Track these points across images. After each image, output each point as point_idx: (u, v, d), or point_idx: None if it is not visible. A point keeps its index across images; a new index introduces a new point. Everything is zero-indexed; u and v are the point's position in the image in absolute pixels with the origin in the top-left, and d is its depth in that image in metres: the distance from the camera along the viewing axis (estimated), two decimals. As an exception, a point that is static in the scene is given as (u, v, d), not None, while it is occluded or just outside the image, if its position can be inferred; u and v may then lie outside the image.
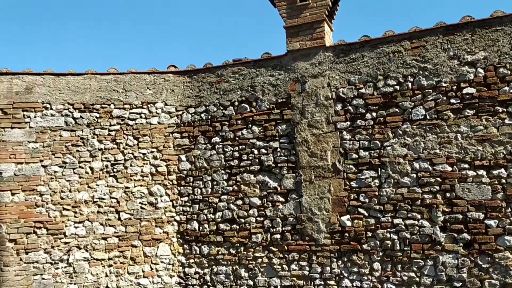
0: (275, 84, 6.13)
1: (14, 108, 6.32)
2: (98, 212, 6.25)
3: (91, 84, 6.55)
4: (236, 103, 6.33)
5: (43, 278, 5.98)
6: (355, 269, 5.44)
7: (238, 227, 6.09)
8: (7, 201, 6.06)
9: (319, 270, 5.61)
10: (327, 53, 5.88)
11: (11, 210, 6.05)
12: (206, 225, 6.27)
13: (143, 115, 6.56)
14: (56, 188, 6.21)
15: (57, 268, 6.04)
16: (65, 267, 6.06)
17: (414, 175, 5.24)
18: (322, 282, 5.58)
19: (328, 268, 5.56)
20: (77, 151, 6.35)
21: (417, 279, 5.14)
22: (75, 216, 6.19)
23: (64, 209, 6.18)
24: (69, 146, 6.34)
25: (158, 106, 6.61)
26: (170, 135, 6.57)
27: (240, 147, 6.21)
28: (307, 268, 5.67)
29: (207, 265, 6.23)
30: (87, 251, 6.14)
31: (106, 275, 6.13)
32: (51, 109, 6.39)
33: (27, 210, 6.10)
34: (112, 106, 6.53)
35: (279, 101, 6.07)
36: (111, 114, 6.51)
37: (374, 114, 5.51)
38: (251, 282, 5.95)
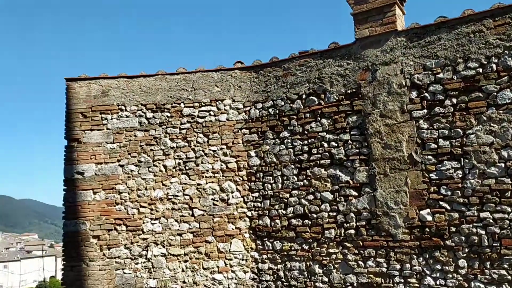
0: (343, 75, 5.91)
1: (93, 111, 6.65)
2: (172, 209, 6.42)
3: (161, 84, 6.73)
4: (304, 96, 6.20)
5: (125, 273, 6.26)
6: (438, 267, 5.10)
7: (310, 222, 5.96)
8: (89, 200, 6.40)
9: (398, 267, 5.33)
10: (399, 38, 5.56)
11: (93, 208, 6.39)
12: (277, 221, 6.21)
13: (212, 113, 6.63)
14: (133, 186, 6.46)
15: (137, 263, 6.29)
16: (144, 262, 6.29)
17: (502, 165, 4.80)
18: (402, 280, 5.30)
19: (408, 265, 5.27)
20: (151, 150, 6.56)
21: (509, 277, 4.71)
22: (151, 213, 6.40)
23: (141, 206, 6.42)
24: (144, 146, 6.57)
25: (226, 103, 6.65)
26: (239, 131, 6.58)
27: (309, 140, 6.07)
28: (385, 265, 5.42)
29: (280, 260, 6.17)
30: (163, 246, 6.33)
31: (183, 270, 6.28)
32: (126, 110, 6.66)
33: (108, 207, 6.40)
34: (182, 105, 6.66)
35: (349, 91, 5.85)
36: (182, 112, 6.64)
37: (454, 100, 5.12)
38: (325, 279, 5.81)
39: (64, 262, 6.30)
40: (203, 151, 6.54)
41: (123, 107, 6.67)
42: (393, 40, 5.59)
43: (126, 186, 6.46)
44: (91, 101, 6.68)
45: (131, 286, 6.22)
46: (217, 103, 6.66)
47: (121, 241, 6.33)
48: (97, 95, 6.70)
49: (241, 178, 6.48)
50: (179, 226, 6.38)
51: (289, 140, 6.24)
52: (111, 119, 6.64)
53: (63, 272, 6.28)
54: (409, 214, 5.31)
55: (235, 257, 6.31)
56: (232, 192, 6.45)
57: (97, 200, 6.41)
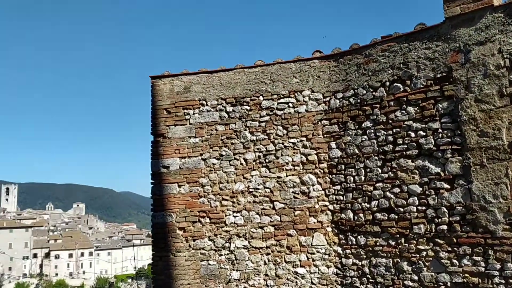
0: (432, 58, 5.47)
1: (176, 107, 6.88)
2: (253, 201, 6.44)
3: (240, 78, 6.76)
4: (387, 83, 5.85)
5: (209, 264, 6.41)
6: (546, 268, 4.53)
7: (396, 216, 5.62)
8: (175, 192, 6.64)
9: (498, 266, 4.83)
10: (495, 14, 5.00)
11: (178, 201, 6.61)
12: (361, 215, 5.95)
13: (290, 104, 6.52)
14: (215, 180, 6.58)
15: (220, 255, 6.41)
16: (227, 254, 6.39)
17: None
18: (503, 280, 4.79)
19: (509, 265, 4.75)
20: (232, 143, 6.62)
21: None
22: (233, 206, 6.48)
23: (223, 199, 6.51)
24: (224, 139, 6.65)
25: (305, 94, 6.50)
26: (319, 122, 6.40)
27: (394, 130, 5.71)
28: (483, 264, 4.94)
29: (365, 256, 5.91)
30: (246, 239, 6.37)
31: (265, 263, 6.28)
32: (207, 105, 6.78)
33: (192, 200, 6.59)
34: (261, 97, 6.63)
35: (438, 76, 5.40)
36: (260, 105, 6.62)
37: None
38: (415, 277, 5.45)
39: (153, 252, 6.61)
40: (282, 143, 6.47)
41: (204, 102, 6.81)
42: (489, 17, 5.04)
43: (209, 179, 6.60)
44: (174, 97, 6.91)
45: (215, 277, 6.36)
46: (296, 94, 6.53)
47: (205, 233, 6.49)
48: (179, 91, 6.90)
49: (321, 171, 6.30)
50: (261, 219, 6.38)
51: (372, 131, 5.93)
52: (193, 114, 6.81)
53: (152, 261, 6.59)
54: (510, 209, 4.78)
55: (318, 251, 6.16)
56: (313, 185, 6.30)
57: (182, 193, 6.63)
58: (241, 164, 6.57)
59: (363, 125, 6.03)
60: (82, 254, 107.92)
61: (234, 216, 6.46)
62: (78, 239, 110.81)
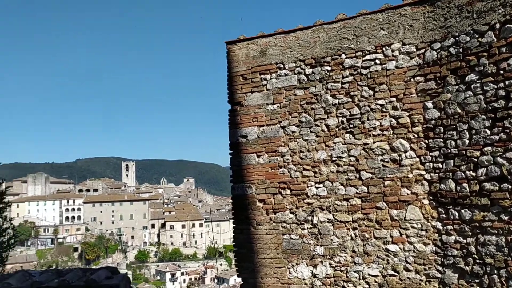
0: (557, -13, 4.31)
1: (252, 72, 6.46)
2: (337, 171, 5.84)
3: (320, 36, 6.11)
4: (497, 26, 4.79)
5: (291, 238, 6.00)
6: None
7: (510, 187, 4.65)
8: (254, 163, 6.29)
9: None
10: None
11: (257, 172, 6.26)
12: (465, 185, 5.04)
13: (377, 61, 5.73)
14: (295, 148, 6.09)
15: (303, 229, 5.96)
16: (310, 228, 5.92)
17: None
18: None
19: None
20: (312, 108, 6.05)
21: None
22: (315, 176, 5.95)
23: (304, 169, 6.02)
24: (304, 105, 6.10)
25: (394, 48, 5.65)
26: (411, 79, 5.53)
27: (507, 83, 4.68)
28: None
29: (470, 233, 5.03)
30: (329, 212, 5.83)
31: (351, 239, 5.70)
32: (284, 68, 6.27)
33: (271, 171, 6.20)
34: (343, 56, 5.93)
35: None
36: (343, 65, 5.92)
37: None
38: (535, 259, 4.48)
39: (234, 225, 6.38)
40: (368, 106, 5.73)
41: (281, 65, 6.29)
42: None
43: (288, 148, 6.13)
44: (250, 62, 6.49)
45: (298, 252, 5.95)
46: (384, 49, 5.71)
47: (286, 205, 6.07)
48: (255, 56, 6.47)
49: (415, 135, 5.47)
50: (345, 191, 5.78)
51: (478, 85, 4.94)
52: (270, 79, 6.34)
53: (234, 234, 6.37)
54: None
55: (412, 227, 5.41)
56: (405, 152, 5.50)
57: (260, 163, 6.26)
58: (323, 130, 5.98)
59: (466, 78, 5.06)
60: (193, 225, 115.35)
61: (316, 188, 5.93)
62: (189, 211, 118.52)
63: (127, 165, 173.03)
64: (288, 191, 6.07)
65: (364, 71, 5.79)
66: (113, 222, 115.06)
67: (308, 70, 6.12)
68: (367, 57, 5.79)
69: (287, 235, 6.02)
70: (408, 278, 5.37)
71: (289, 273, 5.96)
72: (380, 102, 5.67)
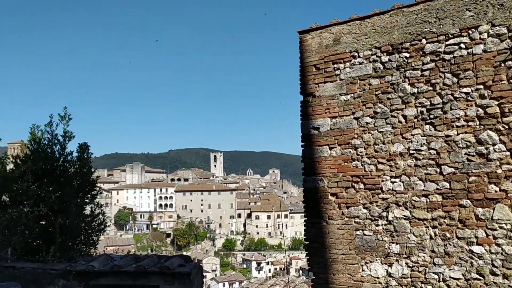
0: None
1: (325, 62, 6.25)
2: (415, 165, 5.46)
3: (398, 20, 5.72)
4: None
5: (365, 234, 5.74)
6: None
7: None
8: (326, 156, 6.11)
9: None
10: None
11: (330, 164, 6.07)
12: None
13: (462, 45, 5.23)
14: (370, 141, 5.80)
15: (377, 225, 5.67)
16: (385, 224, 5.62)
17: None
18: None
19: None
20: (388, 98, 5.71)
21: None
22: (390, 170, 5.62)
23: (379, 162, 5.71)
24: (379, 94, 5.78)
25: (482, 30, 5.11)
26: (501, 64, 4.97)
27: None
28: None
29: None
30: (406, 208, 5.48)
31: (431, 238, 5.30)
32: (359, 57, 5.98)
33: (344, 164, 5.97)
34: (423, 41, 5.50)
35: None
36: (423, 50, 5.50)
37: None
38: None
39: (306, 219, 6.26)
40: (452, 94, 5.26)
41: (355, 54, 6.01)
42: None
43: (362, 141, 5.85)
44: (323, 51, 6.28)
45: (372, 249, 5.67)
46: (470, 31, 5.20)
47: (359, 200, 5.81)
48: (328, 44, 6.24)
49: (506, 126, 4.91)
50: (424, 186, 5.38)
51: None
52: (344, 68, 6.09)
53: (305, 228, 6.25)
54: None
55: (501, 227, 4.89)
56: (493, 145, 4.97)
57: (333, 156, 6.06)
58: (400, 122, 5.61)
59: None
60: (278, 216, 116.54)
61: (392, 182, 5.60)
62: (275, 202, 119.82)
63: (215, 156, 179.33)
64: (362, 185, 5.81)
65: (447, 57, 5.32)
66: (202, 211, 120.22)
67: (385, 58, 5.77)
68: (451, 41, 5.31)
69: (360, 231, 5.77)
70: (494, 283, 4.88)
71: (362, 270, 5.71)
72: (465, 90, 5.18)
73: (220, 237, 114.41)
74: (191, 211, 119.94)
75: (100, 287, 5.50)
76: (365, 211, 5.77)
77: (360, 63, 5.96)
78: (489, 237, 4.95)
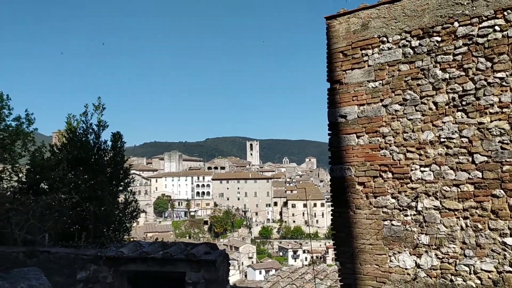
0: None
1: (353, 48, 6.10)
2: (446, 154, 5.26)
3: (429, 3, 5.50)
4: None
5: (393, 224, 5.62)
6: None
7: None
8: (353, 144, 5.99)
9: None
10: None
11: (357, 153, 5.95)
12: None
13: (497, 28, 4.97)
14: (398, 129, 5.63)
15: (406, 215, 5.53)
16: (414, 214, 5.47)
17: None
18: None
19: None
20: (418, 85, 5.51)
21: None
22: (420, 159, 5.45)
23: (407, 151, 5.55)
24: (409, 81, 5.59)
25: (518, 11, 4.83)
26: (540, 46, 4.68)
27: None
28: None
29: None
30: (436, 198, 5.31)
31: (462, 229, 5.12)
32: (388, 42, 5.79)
33: (372, 152, 5.83)
34: (455, 24, 5.27)
35: None
36: (455, 34, 5.26)
37: None
38: None
39: (333, 208, 6.18)
40: (485, 80, 5.02)
41: (384, 39, 5.83)
42: None
43: (391, 129, 5.70)
44: (350, 37, 6.13)
45: (400, 239, 5.55)
46: (505, 13, 4.93)
47: (387, 189, 5.68)
48: (356, 30, 6.08)
49: (543, 112, 4.65)
50: (455, 175, 5.19)
51: None
52: (372, 54, 5.92)
53: (332, 217, 6.19)
54: None
55: (536, 219, 4.66)
56: (529, 132, 4.72)
57: (360, 144, 5.93)
58: (430, 109, 5.41)
59: None
60: (314, 205, 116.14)
61: (422, 171, 5.43)
62: (311, 191, 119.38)
63: (251, 144, 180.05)
64: (390, 174, 5.67)
65: (480, 40, 5.08)
66: (238, 199, 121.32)
67: (415, 42, 5.57)
68: (485, 23, 5.06)
69: (388, 221, 5.65)
70: (529, 277, 4.67)
71: (390, 261, 5.60)
72: (499, 75, 4.93)
73: (257, 225, 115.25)
74: (227, 199, 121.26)
75: (129, 273, 5.66)
76: (393, 200, 5.63)
77: (389, 49, 5.77)
78: (523, 229, 4.73)
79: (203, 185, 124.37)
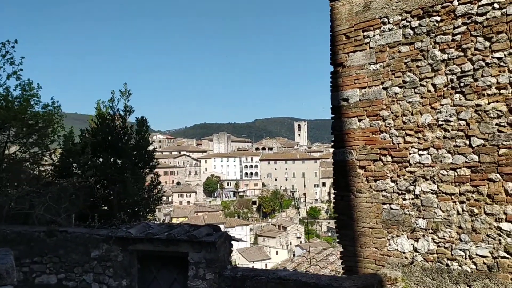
0: None
1: (355, 30, 6.03)
2: (444, 137, 5.15)
3: (429, -19, 5.32)
4: None
5: (392, 208, 5.60)
6: None
7: None
8: (354, 127, 5.98)
9: None
10: None
11: (358, 137, 5.94)
12: None
13: (496, 5, 4.76)
14: (398, 112, 5.56)
15: (404, 199, 5.49)
16: (412, 198, 5.42)
17: None
18: None
19: None
20: (417, 66, 5.39)
21: None
22: (418, 143, 5.37)
23: (406, 134, 5.47)
24: (409, 62, 5.48)
25: (519, -14, 4.59)
26: (538, 24, 4.45)
27: None
28: None
29: None
30: (434, 182, 5.23)
31: (458, 213, 5.03)
32: (389, 23, 5.68)
33: (372, 136, 5.80)
34: (455, 2, 5.08)
35: None
36: (454, 13, 5.09)
37: None
38: None
39: (335, 191, 6.23)
40: (483, 60, 4.85)
41: (385, 20, 5.71)
42: None
43: (391, 112, 5.63)
44: (353, 19, 6.05)
45: (398, 223, 5.53)
46: (505, -11, 4.69)
47: (387, 173, 5.65)
48: (359, 11, 5.99)
49: (540, 93, 4.44)
50: (453, 159, 5.08)
51: None
52: (373, 35, 5.83)
53: (334, 201, 6.24)
54: None
55: (532, 204, 4.50)
56: (526, 114, 4.54)
57: (361, 128, 5.91)
58: (429, 91, 5.29)
59: None
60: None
61: (420, 155, 5.35)
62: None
63: (299, 125, 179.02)
64: (389, 158, 5.63)
65: (479, 19, 4.88)
66: (286, 179, 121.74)
67: (415, 23, 5.43)
68: (484, 1, 4.85)
69: (387, 204, 5.63)
70: (523, 263, 4.55)
71: (389, 244, 5.61)
72: (497, 55, 4.74)
73: (305, 206, 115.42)
74: (275, 179, 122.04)
75: (138, 252, 6.04)
76: (392, 184, 5.60)
77: (390, 30, 5.66)
78: (519, 214, 4.59)
79: (251, 166, 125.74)
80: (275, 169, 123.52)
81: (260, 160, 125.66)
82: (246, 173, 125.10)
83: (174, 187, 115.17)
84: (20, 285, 6.25)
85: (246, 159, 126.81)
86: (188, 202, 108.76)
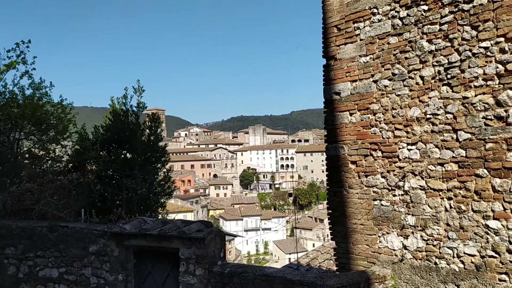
0: None
1: (346, 21, 5.89)
2: (432, 131, 4.97)
3: (418, -31, 5.11)
4: None
5: (382, 205, 5.46)
6: None
7: None
8: (346, 122, 5.86)
9: None
10: None
11: (350, 131, 5.82)
12: None
13: (483, -9, 4.51)
14: (387, 105, 5.40)
15: (394, 195, 5.34)
16: (401, 194, 5.27)
17: None
18: None
19: None
20: (405, 58, 5.21)
21: None
22: (407, 137, 5.20)
23: (396, 128, 5.31)
24: (397, 54, 5.30)
25: (505, -29, 4.34)
26: (524, 10, 4.19)
27: None
28: None
29: None
30: (422, 178, 5.05)
31: (446, 210, 4.85)
32: (378, 13, 5.51)
33: (363, 130, 5.67)
34: (443, -10, 4.86)
35: None
36: (442, 1, 4.87)
37: None
38: None
39: (328, 187, 6.13)
40: (470, 50, 4.62)
41: (375, 10, 5.54)
42: None
43: (380, 105, 5.47)
44: (344, 10, 5.90)
45: (388, 220, 5.39)
46: (492, -26, 4.44)
47: (377, 168, 5.50)
48: (349, 2, 5.84)
49: (526, 84, 4.19)
50: (440, 154, 4.89)
51: None
52: (364, 27, 5.67)
53: (328, 197, 6.14)
54: None
55: (519, 201, 4.28)
56: (513, 107, 4.30)
57: (353, 122, 5.78)
58: (417, 83, 5.11)
59: None
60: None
61: (408, 150, 5.18)
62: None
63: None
64: (379, 153, 5.48)
65: (466, 7, 4.65)
66: (322, 171, 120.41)
67: (403, 13, 5.24)
68: (471, -13, 4.61)
69: (378, 201, 5.50)
70: (511, 262, 4.34)
71: (379, 241, 5.48)
72: (484, 44, 4.51)
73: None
74: (311, 171, 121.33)
75: (134, 247, 6.18)
76: (382, 180, 5.46)
77: (379, 20, 5.49)
78: (506, 211, 4.37)
79: (287, 158, 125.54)
80: (311, 161, 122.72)
81: (296, 152, 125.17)
82: (282, 165, 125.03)
83: (211, 179, 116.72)
84: (26, 277, 6.57)
85: (282, 151, 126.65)
86: (225, 194, 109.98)
